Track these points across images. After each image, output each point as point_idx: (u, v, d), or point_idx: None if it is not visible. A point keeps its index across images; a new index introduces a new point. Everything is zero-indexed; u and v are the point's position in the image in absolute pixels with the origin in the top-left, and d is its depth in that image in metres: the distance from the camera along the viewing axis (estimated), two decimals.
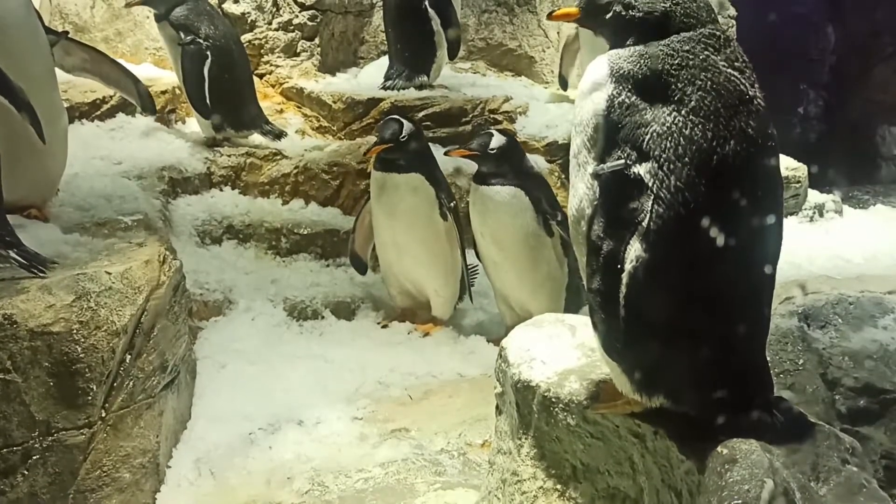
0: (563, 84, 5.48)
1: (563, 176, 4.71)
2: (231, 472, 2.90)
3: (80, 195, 3.44)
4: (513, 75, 5.84)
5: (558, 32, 5.80)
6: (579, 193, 1.88)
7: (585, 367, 2.18)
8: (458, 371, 3.57)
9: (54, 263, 2.66)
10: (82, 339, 2.50)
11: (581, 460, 2.12)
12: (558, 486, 2.17)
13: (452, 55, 5.15)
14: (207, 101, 4.33)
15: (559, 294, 3.61)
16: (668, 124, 1.74)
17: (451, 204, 3.81)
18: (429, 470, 2.90)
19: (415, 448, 3.01)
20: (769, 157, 1.78)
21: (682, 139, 1.73)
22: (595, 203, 1.82)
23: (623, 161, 1.77)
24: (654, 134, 1.75)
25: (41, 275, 2.57)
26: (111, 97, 4.42)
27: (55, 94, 3.12)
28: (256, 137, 4.58)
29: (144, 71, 4.92)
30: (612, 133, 1.80)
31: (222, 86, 4.37)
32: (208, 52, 4.34)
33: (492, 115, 4.95)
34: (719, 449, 1.73)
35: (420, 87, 5.06)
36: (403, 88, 5.03)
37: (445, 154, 3.90)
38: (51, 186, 3.23)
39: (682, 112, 1.74)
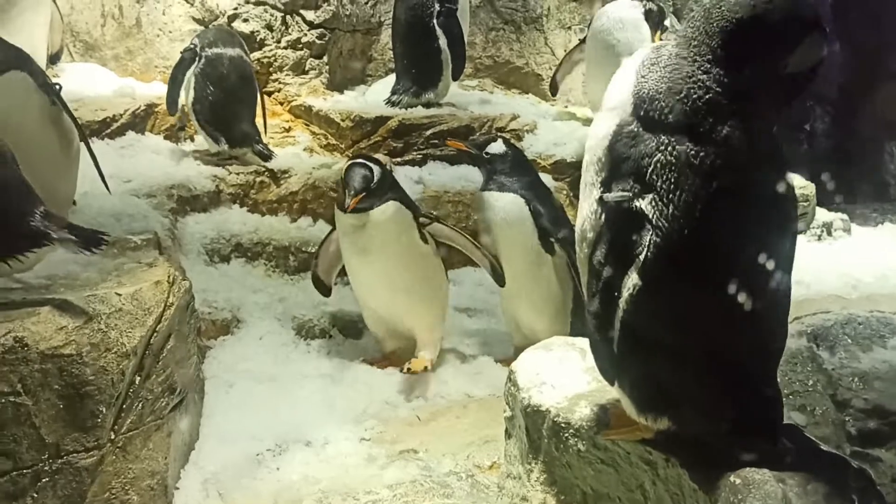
0: (554, 90, 5.49)
1: (571, 194, 4.70)
2: (238, 493, 2.89)
3: (90, 214, 3.44)
4: (520, 93, 5.87)
5: (565, 50, 5.81)
6: (584, 214, 1.90)
7: (596, 392, 2.17)
8: (466, 391, 3.55)
9: (107, 236, 2.59)
10: (92, 362, 2.50)
11: (592, 486, 2.12)
12: None
13: (456, 76, 5.16)
14: (181, 97, 4.40)
15: (562, 316, 3.55)
16: (671, 155, 1.74)
17: (430, 221, 3.59)
18: (437, 492, 2.88)
19: (423, 469, 2.99)
20: (774, 188, 1.78)
21: (686, 169, 1.72)
22: (598, 229, 1.83)
23: (628, 193, 1.77)
24: (658, 164, 1.75)
25: (97, 252, 2.54)
26: (121, 115, 4.45)
27: (66, 119, 3.14)
28: (252, 155, 4.58)
29: (154, 89, 4.96)
30: (619, 160, 1.81)
31: (211, 99, 4.42)
32: (196, 59, 4.41)
33: (499, 134, 4.95)
34: (732, 478, 1.73)
35: (427, 105, 5.07)
36: (410, 106, 5.05)
37: (445, 143, 3.90)
38: (62, 208, 3.24)
39: (685, 144, 1.73)
